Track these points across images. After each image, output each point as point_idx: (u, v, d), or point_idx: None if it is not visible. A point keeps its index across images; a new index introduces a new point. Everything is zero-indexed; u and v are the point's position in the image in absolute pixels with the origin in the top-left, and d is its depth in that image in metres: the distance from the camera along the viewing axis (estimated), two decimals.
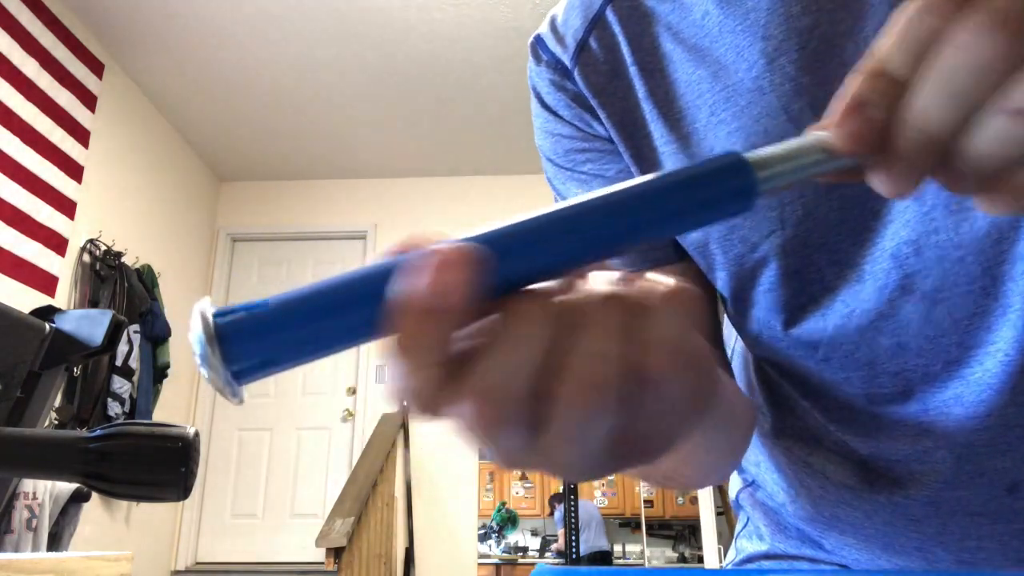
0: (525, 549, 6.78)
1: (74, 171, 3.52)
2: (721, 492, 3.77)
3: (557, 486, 5.98)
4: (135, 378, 3.68)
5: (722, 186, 0.25)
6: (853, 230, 0.42)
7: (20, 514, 2.26)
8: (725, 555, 0.68)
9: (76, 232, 3.54)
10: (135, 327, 3.73)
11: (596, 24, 0.51)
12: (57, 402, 3.16)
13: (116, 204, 3.92)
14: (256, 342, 0.22)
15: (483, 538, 5.18)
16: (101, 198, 3.77)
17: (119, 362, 3.57)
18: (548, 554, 6.49)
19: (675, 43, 0.48)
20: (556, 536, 6.18)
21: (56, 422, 3.23)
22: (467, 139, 4.69)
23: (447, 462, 4.56)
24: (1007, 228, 0.39)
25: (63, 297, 3.42)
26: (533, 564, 2.67)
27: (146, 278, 3.99)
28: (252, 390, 4.77)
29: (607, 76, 0.50)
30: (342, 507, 3.14)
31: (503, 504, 6.83)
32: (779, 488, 0.55)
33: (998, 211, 0.25)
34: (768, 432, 0.54)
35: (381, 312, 0.22)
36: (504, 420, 0.21)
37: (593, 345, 0.21)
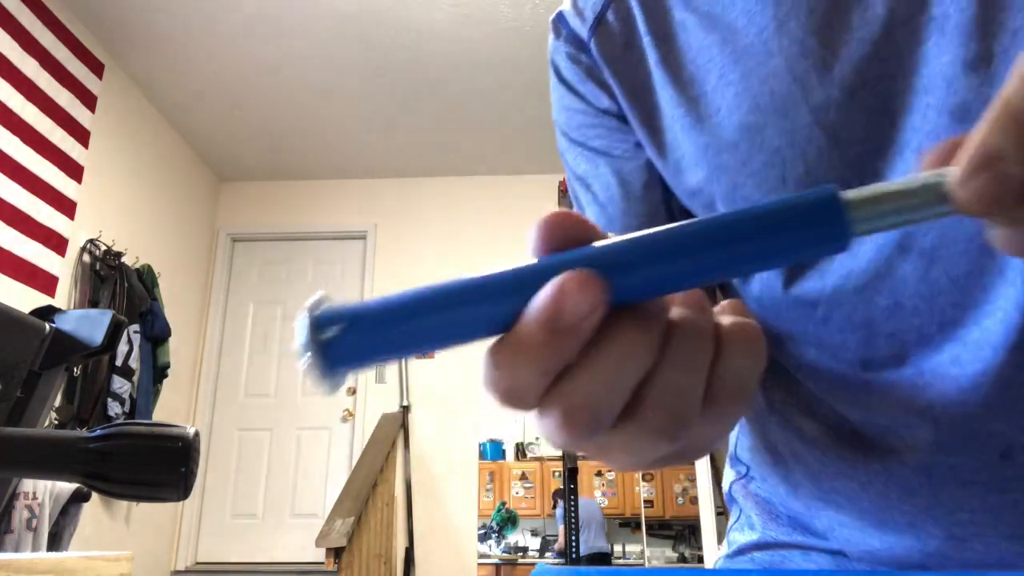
0: (525, 549, 6.78)
1: (74, 171, 3.52)
2: (721, 492, 3.76)
3: (557, 484, 5.97)
4: (135, 378, 3.68)
5: (808, 230, 0.23)
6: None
7: (20, 514, 2.26)
8: None
9: (76, 232, 3.54)
10: (135, 327, 3.74)
11: None
12: (57, 402, 3.16)
13: (116, 204, 3.92)
14: (352, 345, 0.23)
15: (483, 538, 5.18)
16: (101, 198, 3.77)
17: (119, 362, 3.57)
18: (548, 554, 6.49)
19: (688, 11, 0.49)
20: (556, 536, 6.17)
21: (56, 422, 3.23)
22: (467, 139, 4.69)
23: (447, 462, 4.56)
24: None
25: (63, 297, 3.42)
26: (533, 564, 2.67)
27: (146, 278, 3.99)
28: (252, 390, 4.77)
29: (622, 47, 0.51)
30: (342, 507, 3.14)
31: (503, 504, 6.83)
32: (774, 471, 0.55)
33: None
34: (763, 410, 0.55)
35: (494, 319, 0.23)
36: (590, 429, 0.23)
37: (679, 379, 0.24)
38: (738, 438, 0.62)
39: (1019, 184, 0.20)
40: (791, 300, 0.47)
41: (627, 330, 0.23)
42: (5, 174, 3.05)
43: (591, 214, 0.57)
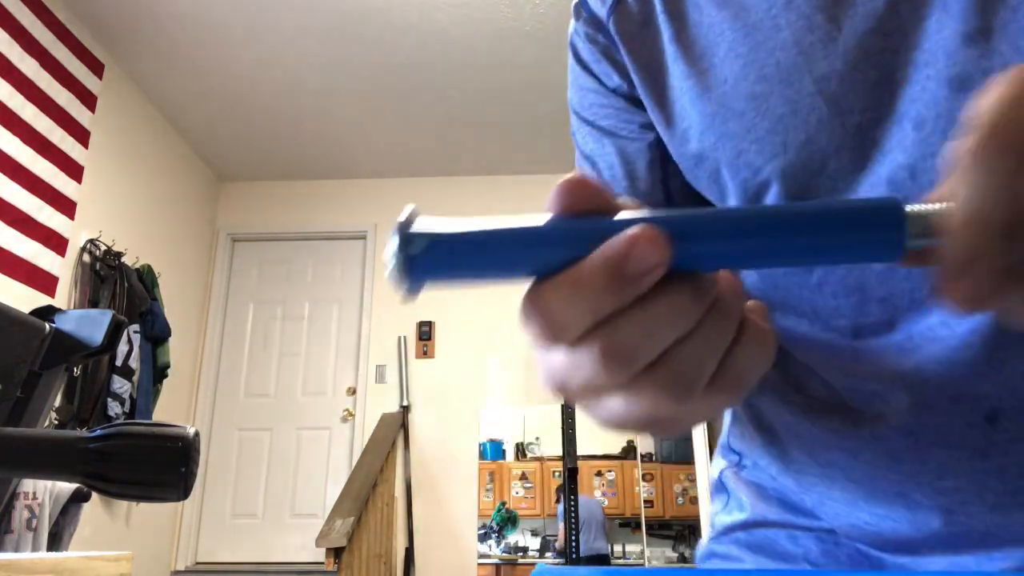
0: (525, 549, 6.77)
1: (74, 171, 3.52)
2: None
3: (557, 483, 5.97)
4: (135, 378, 3.68)
5: (866, 235, 0.24)
6: (852, 157, 0.43)
7: (20, 514, 2.26)
8: None
9: (76, 232, 3.54)
10: (135, 327, 3.73)
11: None
12: (57, 402, 3.16)
13: (116, 204, 3.92)
14: (432, 265, 0.25)
15: (483, 538, 5.18)
16: (101, 198, 3.77)
17: (119, 362, 3.57)
18: (548, 554, 6.49)
19: None
20: (556, 535, 6.17)
21: (56, 422, 3.23)
22: (467, 139, 4.69)
23: (447, 462, 4.56)
24: None
25: (63, 297, 3.42)
26: (533, 564, 2.68)
27: (146, 278, 3.99)
28: (252, 390, 4.77)
29: (639, 24, 0.54)
30: (342, 507, 3.14)
31: (503, 504, 6.82)
32: (768, 451, 0.56)
33: None
34: (754, 391, 0.56)
35: (559, 263, 0.25)
36: (624, 369, 0.25)
37: (702, 350, 0.26)
38: (730, 428, 0.63)
39: (999, 279, 0.22)
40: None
41: (680, 293, 0.25)
42: (5, 174, 3.05)
43: None
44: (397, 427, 4.36)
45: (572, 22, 0.60)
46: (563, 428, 3.93)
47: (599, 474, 7.08)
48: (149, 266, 4.06)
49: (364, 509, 3.34)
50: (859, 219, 0.24)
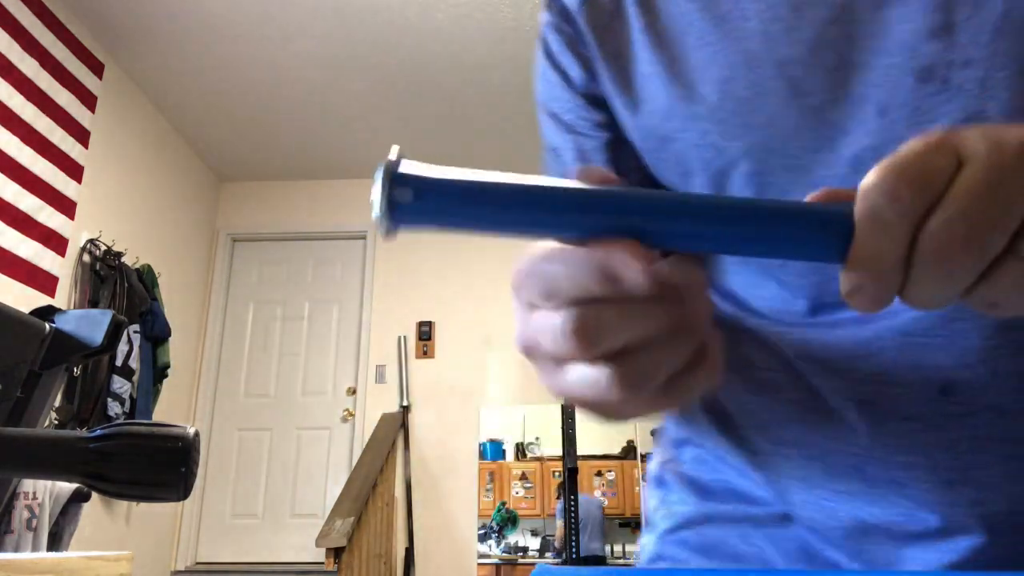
0: (525, 549, 6.78)
1: (74, 171, 3.52)
2: None
3: (557, 483, 5.96)
4: (135, 378, 3.68)
5: (816, 236, 0.26)
6: (812, 137, 0.45)
7: (20, 514, 2.26)
8: None
9: (76, 232, 3.54)
10: (135, 327, 3.74)
11: None
12: (57, 402, 3.16)
13: (116, 204, 3.92)
14: (416, 211, 0.26)
15: (483, 538, 5.18)
16: (101, 198, 3.77)
17: (119, 362, 3.57)
18: (548, 554, 6.49)
19: None
20: (555, 535, 6.16)
21: (56, 422, 3.23)
22: (468, 139, 4.69)
23: (447, 462, 4.56)
24: None
25: (63, 297, 3.42)
26: (533, 564, 2.67)
27: (146, 278, 3.99)
28: (252, 390, 4.77)
29: (610, 15, 0.55)
30: (342, 507, 3.14)
31: (503, 504, 6.83)
32: (715, 433, 0.56)
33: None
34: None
35: (549, 226, 0.27)
36: (597, 340, 0.27)
37: (669, 355, 0.28)
38: (668, 417, 0.64)
39: (891, 291, 0.27)
40: None
41: (658, 301, 0.27)
42: (5, 174, 3.05)
43: None
44: (397, 427, 4.36)
45: (543, 14, 0.61)
46: (563, 428, 3.92)
47: (599, 474, 7.08)
48: (149, 266, 4.06)
49: (364, 509, 3.34)
50: (812, 221, 0.26)
